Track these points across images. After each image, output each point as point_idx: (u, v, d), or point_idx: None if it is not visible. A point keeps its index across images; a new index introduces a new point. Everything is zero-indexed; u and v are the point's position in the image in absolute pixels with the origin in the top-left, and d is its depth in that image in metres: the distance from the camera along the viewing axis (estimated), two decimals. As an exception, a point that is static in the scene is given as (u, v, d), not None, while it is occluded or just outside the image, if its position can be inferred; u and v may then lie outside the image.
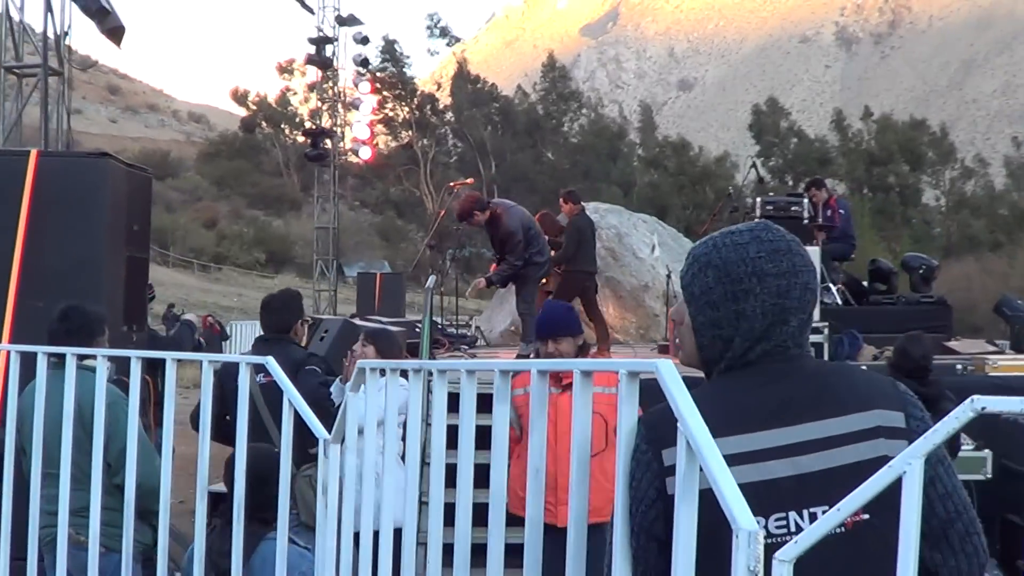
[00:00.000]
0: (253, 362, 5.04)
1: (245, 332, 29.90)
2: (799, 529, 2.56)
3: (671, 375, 2.47)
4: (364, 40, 33.30)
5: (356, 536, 4.43)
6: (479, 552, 3.30)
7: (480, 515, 3.32)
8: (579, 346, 7.45)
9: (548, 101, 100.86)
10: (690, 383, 2.46)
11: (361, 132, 33.38)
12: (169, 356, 5.16)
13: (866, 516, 2.48)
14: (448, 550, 3.47)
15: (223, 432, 6.35)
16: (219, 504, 6.14)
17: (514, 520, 3.34)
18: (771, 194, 18.56)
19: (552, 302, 9.16)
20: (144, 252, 9.98)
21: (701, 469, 2.29)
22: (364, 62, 33.71)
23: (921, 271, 17.56)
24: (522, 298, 13.93)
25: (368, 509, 4.39)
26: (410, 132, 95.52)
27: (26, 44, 16.55)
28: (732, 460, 2.30)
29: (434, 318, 14.90)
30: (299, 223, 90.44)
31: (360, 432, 4.47)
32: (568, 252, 15.47)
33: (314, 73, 35.39)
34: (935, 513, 2.63)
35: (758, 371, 2.83)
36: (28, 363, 5.54)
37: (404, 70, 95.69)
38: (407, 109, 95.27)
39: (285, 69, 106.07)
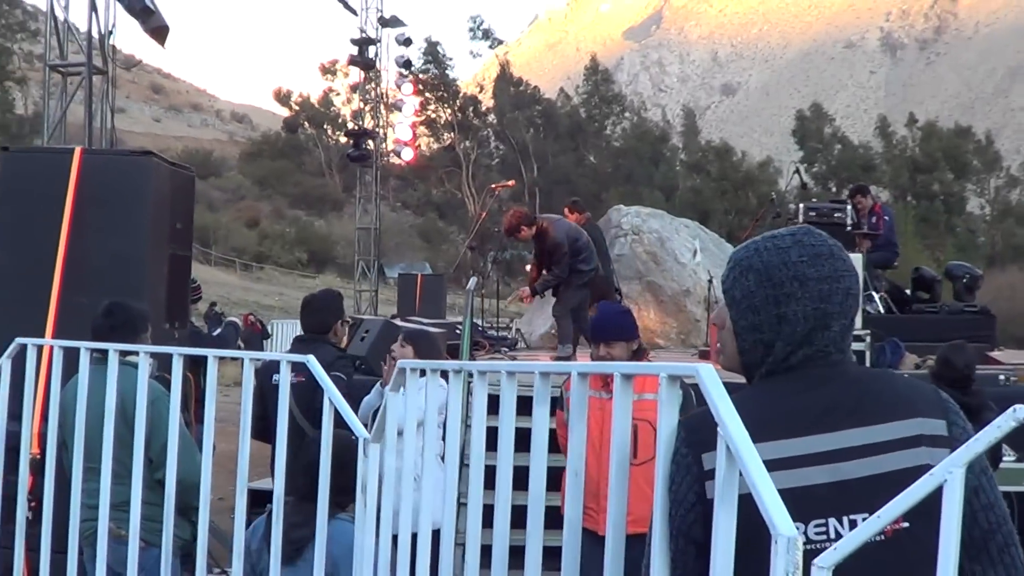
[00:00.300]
0: (294, 360, 5.06)
1: (286, 331, 29.99)
2: (839, 536, 2.54)
3: (712, 379, 2.45)
4: (407, 41, 33.36)
5: (394, 537, 4.43)
6: (517, 554, 3.30)
7: (518, 517, 3.32)
8: (634, 351, 7.19)
9: (591, 104, 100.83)
10: (731, 388, 2.44)
11: (403, 133, 33.42)
12: (211, 353, 5.18)
13: (906, 524, 2.46)
14: (486, 551, 3.47)
15: (256, 429, 6.38)
16: (260, 501, 6.17)
17: (552, 523, 3.34)
18: (814, 200, 18.49)
19: (607, 304, 8.94)
20: (187, 250, 10.01)
21: (741, 474, 2.28)
22: (407, 63, 33.73)
23: (965, 280, 17.44)
24: (559, 301, 13.95)
25: (407, 509, 4.39)
26: (452, 134, 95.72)
27: (70, 43, 16.67)
28: (771, 466, 2.29)
29: (475, 320, 14.92)
30: (341, 223, 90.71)
31: (400, 432, 4.48)
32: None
33: (357, 74, 35.42)
34: (977, 524, 2.60)
35: (800, 376, 2.81)
36: (71, 358, 5.59)
37: (447, 72, 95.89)
38: (449, 111, 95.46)
39: (328, 70, 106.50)
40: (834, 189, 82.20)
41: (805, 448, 2.64)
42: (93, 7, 15.38)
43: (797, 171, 20.39)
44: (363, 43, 32.31)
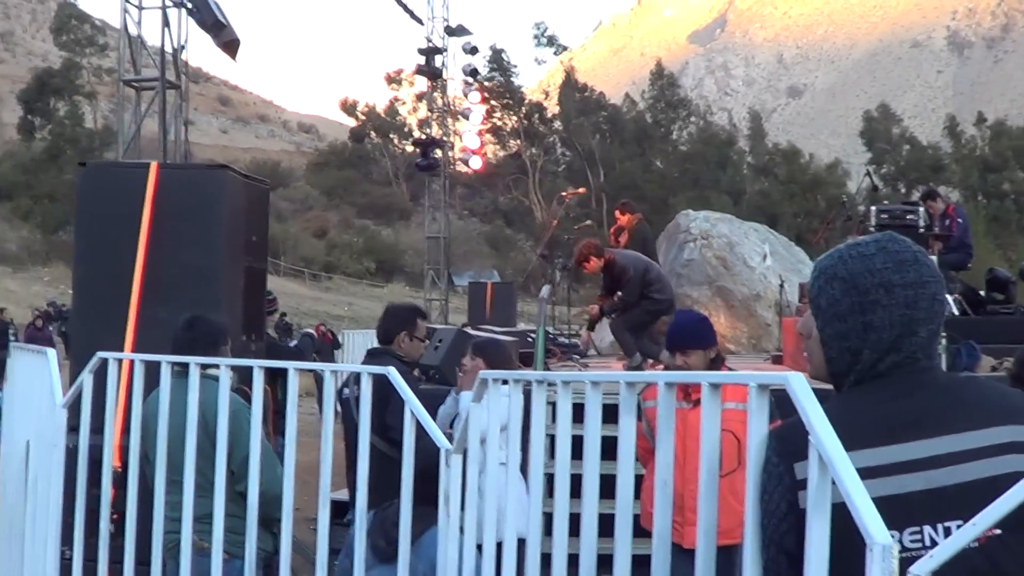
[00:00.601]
0: (375, 372, 5.08)
1: (357, 341, 30.14)
2: (934, 543, 2.53)
3: (802, 388, 2.45)
4: (473, 50, 33.44)
5: (479, 547, 4.45)
6: (603, 563, 3.30)
7: (603, 527, 3.32)
8: (711, 359, 7.11)
9: (656, 109, 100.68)
10: (819, 396, 2.44)
11: (471, 142, 33.49)
12: (291, 366, 5.21)
13: (998, 532, 2.41)
14: (572, 561, 3.47)
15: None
16: (339, 511, 6.20)
17: (638, 533, 3.33)
18: (885, 202, 18.35)
19: (684, 312, 8.84)
20: (262, 263, 10.08)
21: (833, 482, 2.27)
22: (473, 72, 33.82)
23: (1039, 280, 17.26)
24: (620, 318, 13.92)
25: (491, 519, 4.39)
26: (518, 141, 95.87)
27: (143, 58, 16.84)
28: (864, 474, 2.27)
29: (546, 328, 14.94)
30: (408, 232, 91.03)
31: (482, 443, 4.49)
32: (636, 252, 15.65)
33: (423, 83, 35.52)
34: None
35: (888, 383, 2.80)
36: (151, 371, 5.64)
37: (512, 79, 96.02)
38: (515, 118, 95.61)
39: (393, 79, 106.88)
40: (903, 190, 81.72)
41: (898, 456, 2.64)
42: (166, 23, 15.54)
43: (868, 174, 20.21)
44: (430, 52, 32.41)
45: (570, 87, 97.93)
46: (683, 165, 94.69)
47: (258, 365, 5.24)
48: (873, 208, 15.95)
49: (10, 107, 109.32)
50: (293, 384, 5.10)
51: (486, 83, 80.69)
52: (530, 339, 15.32)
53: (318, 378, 24.45)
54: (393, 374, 5.01)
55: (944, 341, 13.35)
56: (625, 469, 3.33)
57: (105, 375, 5.91)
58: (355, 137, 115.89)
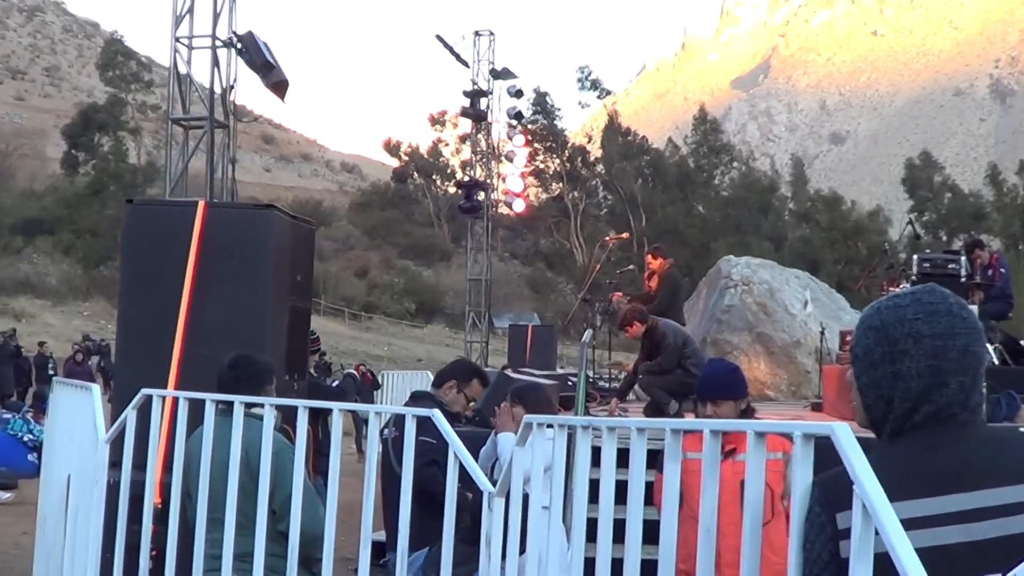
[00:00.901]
0: (419, 415, 5.09)
1: (396, 382, 30.12)
2: None
3: (847, 438, 2.46)
4: (518, 93, 33.50)
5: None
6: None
7: (645, 573, 3.32)
8: (742, 410, 6.92)
9: (699, 154, 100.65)
10: (863, 447, 2.45)
11: (515, 184, 33.52)
12: (336, 406, 5.23)
13: None
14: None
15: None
16: (378, 553, 6.21)
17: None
18: (927, 251, 18.29)
19: (716, 361, 8.78)
20: (307, 303, 10.10)
21: (876, 532, 2.29)
22: (518, 115, 33.89)
23: (1080, 330, 17.16)
24: (654, 376, 13.95)
25: (532, 563, 4.39)
26: (561, 184, 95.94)
27: (190, 96, 16.97)
28: (906, 525, 2.31)
29: (588, 372, 14.99)
30: (449, 274, 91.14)
31: (525, 486, 4.49)
32: (664, 303, 15.97)
33: (466, 125, 35.63)
34: None
35: (927, 436, 2.82)
36: (195, 409, 5.67)
37: (555, 122, 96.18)
38: (558, 161, 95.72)
39: (437, 120, 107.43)
40: (944, 238, 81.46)
41: (939, 508, 2.65)
42: (216, 62, 15.65)
43: (910, 222, 20.17)
44: (475, 95, 32.46)
45: (613, 131, 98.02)
46: (725, 210, 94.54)
47: (302, 405, 5.26)
48: (915, 256, 15.92)
49: (54, 141, 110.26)
50: (337, 424, 5.11)
51: (530, 126, 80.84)
52: (570, 383, 15.33)
53: (355, 418, 24.53)
54: (437, 416, 5.03)
55: (984, 391, 13.29)
56: (669, 516, 3.33)
57: (148, 411, 5.94)
58: (398, 177, 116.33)
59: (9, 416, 21.47)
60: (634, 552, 3.41)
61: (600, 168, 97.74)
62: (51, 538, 7.92)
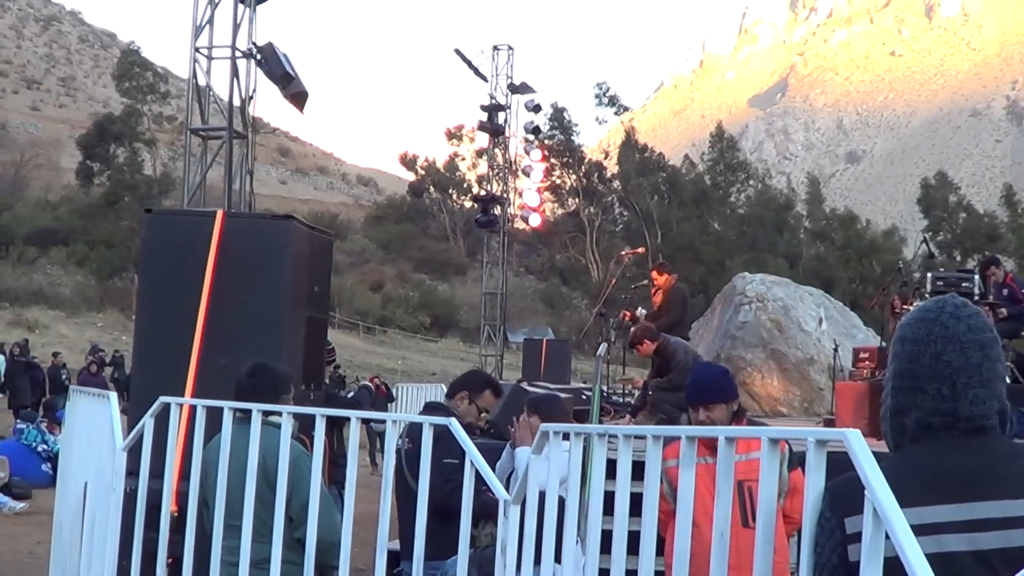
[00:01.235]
0: (436, 423, 5.11)
1: (410, 395, 30.11)
2: None
3: (860, 444, 2.51)
4: (536, 108, 33.48)
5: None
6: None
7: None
8: (734, 412, 6.84)
9: (715, 171, 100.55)
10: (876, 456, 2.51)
11: (531, 199, 33.49)
12: (354, 415, 5.25)
13: None
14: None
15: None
16: (392, 563, 6.22)
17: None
18: (941, 269, 18.29)
19: (705, 365, 8.74)
20: (323, 313, 10.15)
21: (887, 537, 2.35)
22: (535, 130, 33.89)
23: (1090, 349, 17.11)
24: (665, 393, 14.00)
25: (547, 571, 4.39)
26: (577, 200, 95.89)
27: (209, 107, 17.01)
28: (913, 531, 2.34)
29: (603, 387, 15.05)
30: (464, 288, 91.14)
31: (541, 495, 4.50)
32: (676, 316, 16.14)
33: (483, 139, 35.64)
34: None
35: (933, 446, 2.90)
36: (212, 417, 5.69)
37: (572, 138, 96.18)
38: (574, 177, 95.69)
39: (454, 135, 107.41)
40: (959, 258, 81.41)
41: (945, 516, 2.71)
42: (235, 73, 15.69)
43: (925, 241, 20.17)
44: (492, 109, 32.44)
45: (630, 147, 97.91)
46: (740, 228, 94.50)
47: (320, 413, 5.29)
48: (929, 275, 15.92)
49: (69, 152, 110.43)
50: (355, 433, 5.14)
51: (547, 141, 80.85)
52: (584, 397, 15.36)
53: (369, 431, 24.56)
54: (455, 425, 5.05)
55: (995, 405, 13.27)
56: (649, 526, 3.41)
57: (165, 419, 5.97)
58: (414, 191, 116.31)
59: (24, 426, 21.52)
60: (648, 563, 3.42)
61: (616, 184, 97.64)
62: (67, 546, 7.95)
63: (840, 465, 2.68)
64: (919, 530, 2.51)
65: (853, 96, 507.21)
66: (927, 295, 15.28)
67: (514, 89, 33.09)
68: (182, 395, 8.19)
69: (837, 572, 2.75)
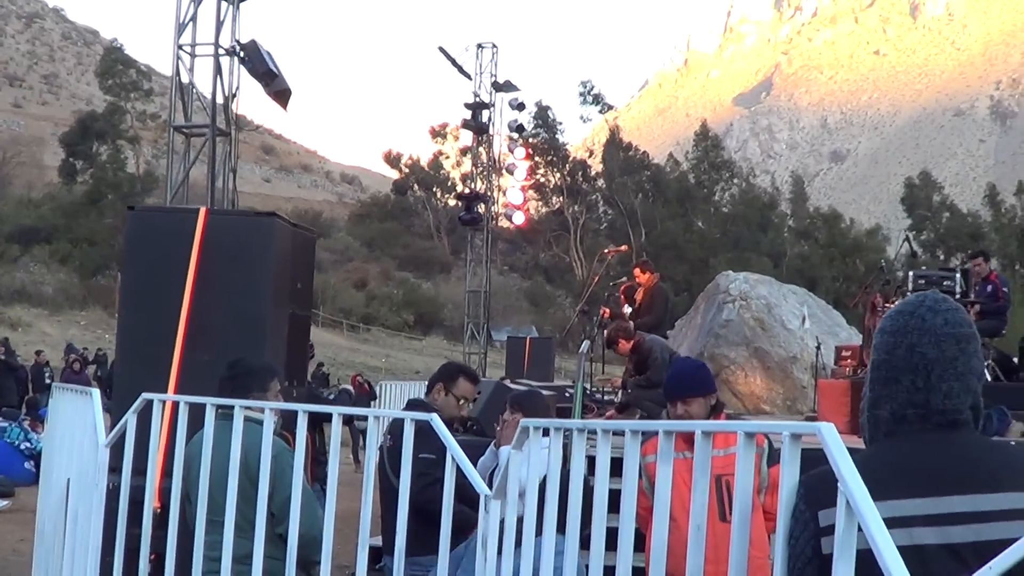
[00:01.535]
0: (418, 419, 5.12)
1: (393, 392, 30.09)
2: None
3: (833, 438, 2.52)
4: (520, 106, 33.48)
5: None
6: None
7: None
8: (712, 406, 6.78)
9: (700, 170, 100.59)
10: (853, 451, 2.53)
11: (515, 197, 33.51)
12: (336, 410, 5.26)
13: None
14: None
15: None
16: (375, 559, 6.24)
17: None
18: (923, 268, 18.34)
19: (684, 360, 8.71)
20: (306, 310, 10.16)
21: (859, 529, 2.37)
22: (519, 128, 33.90)
23: (1072, 349, 17.16)
24: (645, 392, 14.02)
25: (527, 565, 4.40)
26: (561, 198, 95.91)
27: (192, 104, 17.00)
28: (886, 524, 2.36)
29: (585, 384, 15.02)
30: (448, 286, 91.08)
31: (521, 491, 4.51)
32: (659, 315, 16.37)
33: (467, 137, 35.57)
34: None
35: (905, 439, 2.94)
36: (194, 414, 5.70)
37: (556, 136, 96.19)
38: (559, 175, 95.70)
39: (438, 133, 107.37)
40: (942, 257, 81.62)
41: (916, 509, 2.75)
42: (218, 71, 15.69)
43: (907, 239, 20.22)
44: (476, 107, 32.44)
45: (614, 146, 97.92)
46: (724, 226, 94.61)
47: (302, 409, 5.30)
48: (911, 273, 15.96)
49: (52, 150, 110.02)
50: (337, 428, 5.14)
51: (531, 139, 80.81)
52: (568, 394, 15.38)
53: (352, 429, 24.59)
54: (435, 421, 5.05)
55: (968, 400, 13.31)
56: (626, 522, 3.44)
57: (148, 416, 5.98)
58: (398, 189, 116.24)
59: (6, 424, 21.48)
60: (626, 558, 3.43)
61: (601, 183, 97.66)
62: (50, 542, 7.95)
63: (819, 461, 2.70)
64: (890, 523, 2.51)
65: (837, 95, 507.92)
66: (909, 293, 15.32)
67: (498, 87, 33.08)
68: (165, 392, 8.21)
69: (811, 564, 2.78)
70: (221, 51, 15.67)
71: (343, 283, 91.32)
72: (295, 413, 5.32)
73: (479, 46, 33.13)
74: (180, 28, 15.87)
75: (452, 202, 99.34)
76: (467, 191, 35.08)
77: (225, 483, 5.39)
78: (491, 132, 34.13)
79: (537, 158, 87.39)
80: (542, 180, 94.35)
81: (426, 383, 8.54)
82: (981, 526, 2.70)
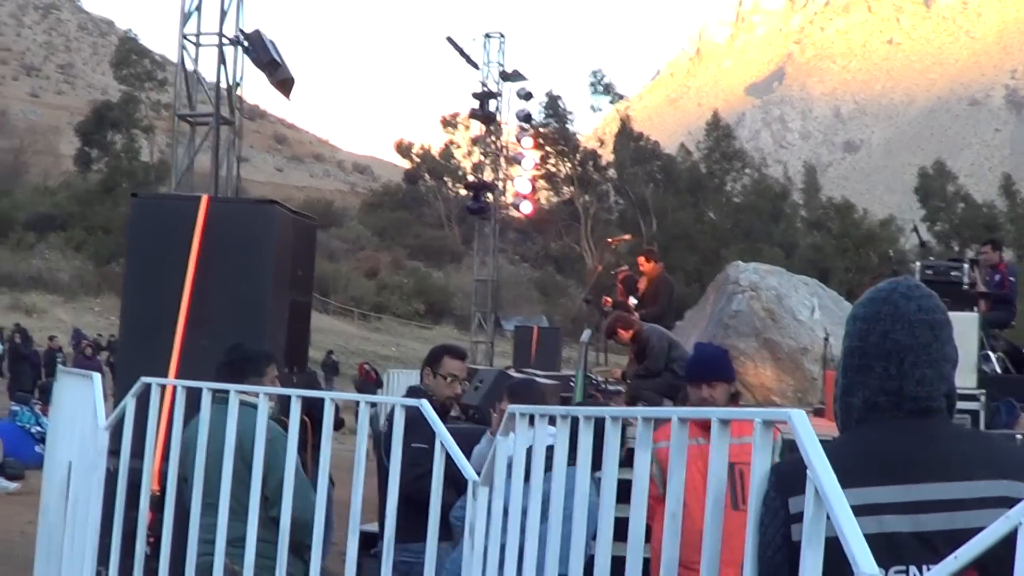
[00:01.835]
0: (407, 405, 5.18)
1: (400, 380, 30.12)
2: None
3: (803, 425, 2.53)
4: (527, 96, 33.48)
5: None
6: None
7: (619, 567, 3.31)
8: (732, 394, 6.81)
9: (711, 160, 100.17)
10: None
11: (523, 187, 33.55)
12: (328, 396, 5.33)
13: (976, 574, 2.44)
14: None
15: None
16: (370, 543, 6.31)
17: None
18: (931, 258, 18.30)
19: (706, 344, 8.68)
20: (307, 297, 10.24)
21: (828, 517, 2.36)
22: (527, 117, 33.88)
23: (1083, 340, 17.14)
24: (645, 381, 13.98)
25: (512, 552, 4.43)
26: (572, 188, 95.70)
27: (198, 93, 17.10)
28: (856, 511, 2.36)
29: (589, 373, 15.05)
30: (459, 275, 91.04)
31: (508, 476, 4.55)
32: (664, 306, 16.32)
33: (478, 127, 35.68)
34: None
35: (878, 426, 2.95)
36: (193, 398, 5.78)
37: (567, 126, 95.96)
38: (569, 165, 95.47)
39: (449, 123, 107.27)
40: (956, 248, 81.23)
41: (888, 497, 2.76)
42: (222, 60, 15.79)
43: (915, 229, 20.24)
44: (484, 97, 32.44)
45: (625, 135, 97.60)
46: (736, 216, 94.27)
47: (295, 394, 5.37)
48: (918, 264, 15.94)
49: (68, 138, 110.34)
50: (329, 413, 5.21)
51: (541, 129, 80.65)
52: (572, 383, 15.42)
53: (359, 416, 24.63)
54: (425, 406, 5.11)
55: (983, 398, 13.32)
56: (638, 510, 3.34)
57: (147, 400, 6.05)
58: (409, 179, 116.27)
59: (18, 408, 21.66)
60: (636, 548, 3.30)
61: (612, 172, 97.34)
62: (52, 524, 8.02)
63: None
64: (861, 510, 2.53)
65: (851, 84, 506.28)
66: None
67: (505, 77, 33.08)
68: (167, 376, 8.28)
69: (781, 552, 2.79)
70: (225, 40, 15.75)
71: (354, 272, 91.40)
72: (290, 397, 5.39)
73: (487, 35, 33.17)
74: (185, 17, 15.95)
75: (463, 192, 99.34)
76: (476, 180, 35.13)
77: (220, 467, 5.47)
78: (499, 121, 34.15)
79: (548, 148, 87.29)
80: (553, 170, 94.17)
81: None
82: (953, 514, 2.71)
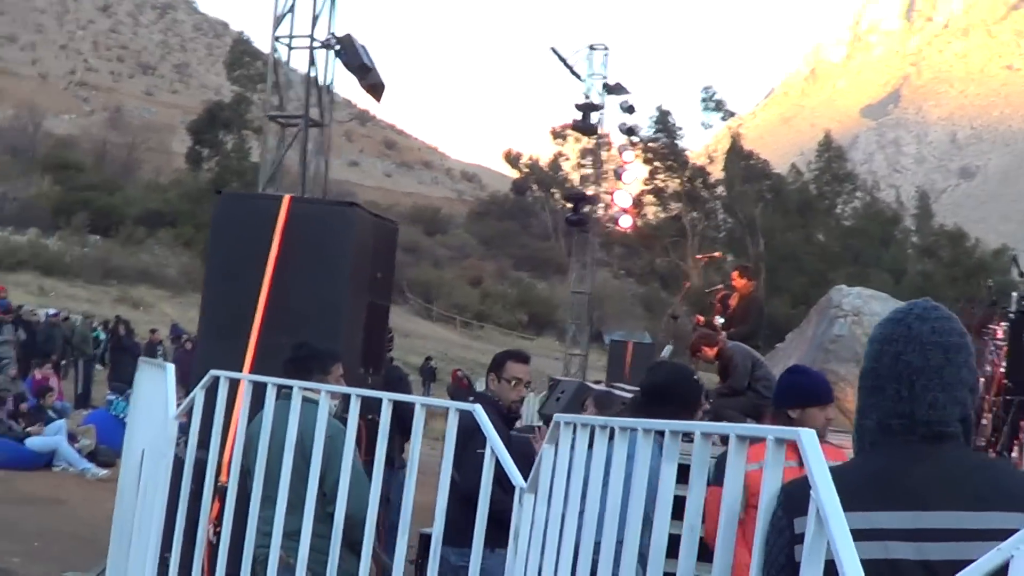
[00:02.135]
0: (462, 408, 5.24)
1: (490, 388, 30.27)
2: None
3: (811, 444, 2.54)
4: (630, 109, 33.39)
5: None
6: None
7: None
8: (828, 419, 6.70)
9: (822, 181, 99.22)
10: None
11: (624, 200, 33.51)
12: (385, 396, 5.39)
13: None
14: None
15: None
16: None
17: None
18: (1032, 290, 18.02)
19: (804, 367, 8.55)
20: (386, 300, 10.32)
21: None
22: (629, 131, 33.86)
23: None
24: (728, 400, 13.90)
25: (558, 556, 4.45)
26: (679, 204, 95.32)
27: (290, 94, 17.41)
28: (860, 535, 2.37)
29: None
30: (563, 287, 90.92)
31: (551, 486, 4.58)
32: (753, 326, 16.06)
33: (587, 139, 35.73)
34: None
35: (891, 450, 2.92)
36: (260, 392, 5.89)
37: (676, 141, 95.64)
38: (678, 180, 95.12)
39: (559, 134, 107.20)
40: (1069, 281, 79.83)
41: (895, 522, 2.74)
42: (312, 61, 16.00)
43: (1015, 259, 19.98)
44: (586, 108, 32.43)
45: (736, 153, 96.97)
46: (845, 240, 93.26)
47: (355, 393, 5.46)
48: (1014, 294, 15.74)
49: (180, 137, 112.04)
50: (386, 413, 5.28)
51: (650, 144, 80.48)
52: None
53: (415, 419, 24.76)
54: (478, 411, 5.16)
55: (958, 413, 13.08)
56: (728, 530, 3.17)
57: (215, 392, 6.18)
58: (517, 189, 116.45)
59: (114, 397, 22.02)
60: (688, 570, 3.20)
61: (720, 190, 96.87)
62: (126, 510, 8.19)
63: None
64: (866, 534, 2.59)
65: (968, 109, 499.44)
66: (1011, 315, 15.13)
67: (609, 89, 33.07)
68: (241, 371, 8.41)
69: (784, 571, 2.78)
70: (316, 44, 15.96)
71: (458, 280, 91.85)
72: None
73: (591, 47, 33.15)
74: (277, 20, 16.19)
75: (569, 204, 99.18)
76: (576, 192, 35.17)
77: (280, 461, 5.58)
78: (601, 133, 34.16)
79: (657, 163, 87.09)
80: (661, 185, 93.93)
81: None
82: (961, 544, 2.67)
